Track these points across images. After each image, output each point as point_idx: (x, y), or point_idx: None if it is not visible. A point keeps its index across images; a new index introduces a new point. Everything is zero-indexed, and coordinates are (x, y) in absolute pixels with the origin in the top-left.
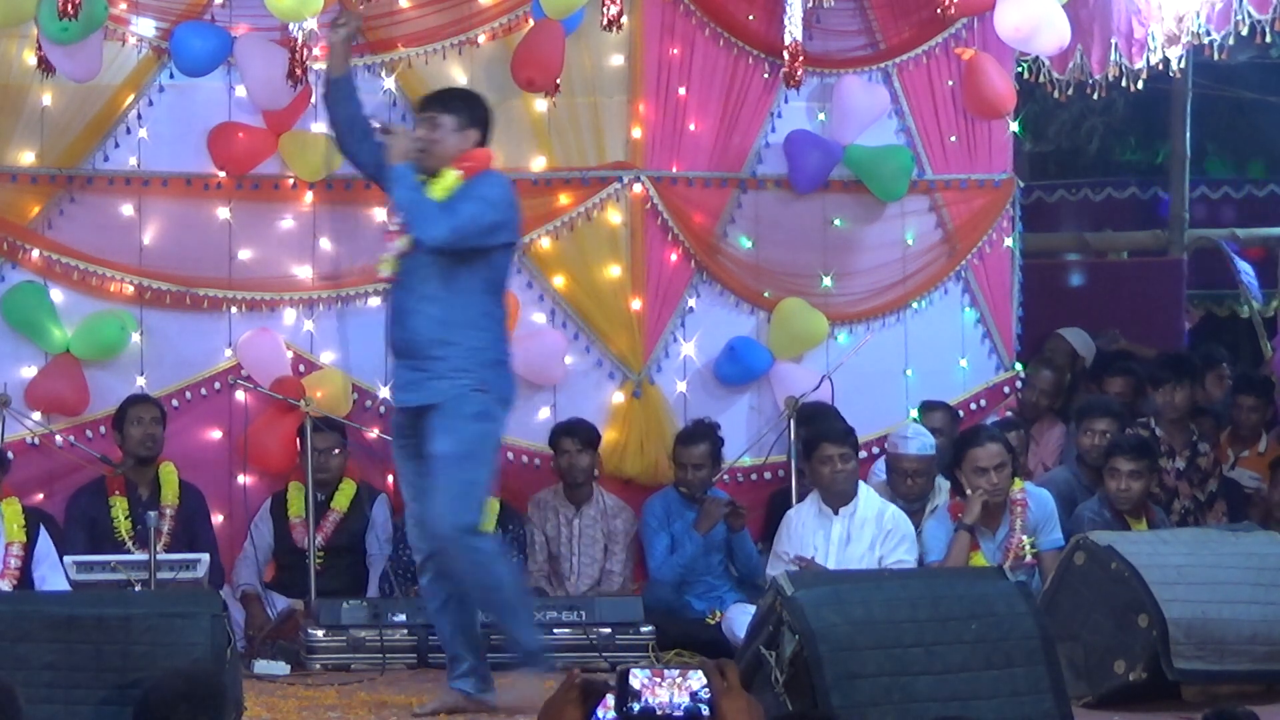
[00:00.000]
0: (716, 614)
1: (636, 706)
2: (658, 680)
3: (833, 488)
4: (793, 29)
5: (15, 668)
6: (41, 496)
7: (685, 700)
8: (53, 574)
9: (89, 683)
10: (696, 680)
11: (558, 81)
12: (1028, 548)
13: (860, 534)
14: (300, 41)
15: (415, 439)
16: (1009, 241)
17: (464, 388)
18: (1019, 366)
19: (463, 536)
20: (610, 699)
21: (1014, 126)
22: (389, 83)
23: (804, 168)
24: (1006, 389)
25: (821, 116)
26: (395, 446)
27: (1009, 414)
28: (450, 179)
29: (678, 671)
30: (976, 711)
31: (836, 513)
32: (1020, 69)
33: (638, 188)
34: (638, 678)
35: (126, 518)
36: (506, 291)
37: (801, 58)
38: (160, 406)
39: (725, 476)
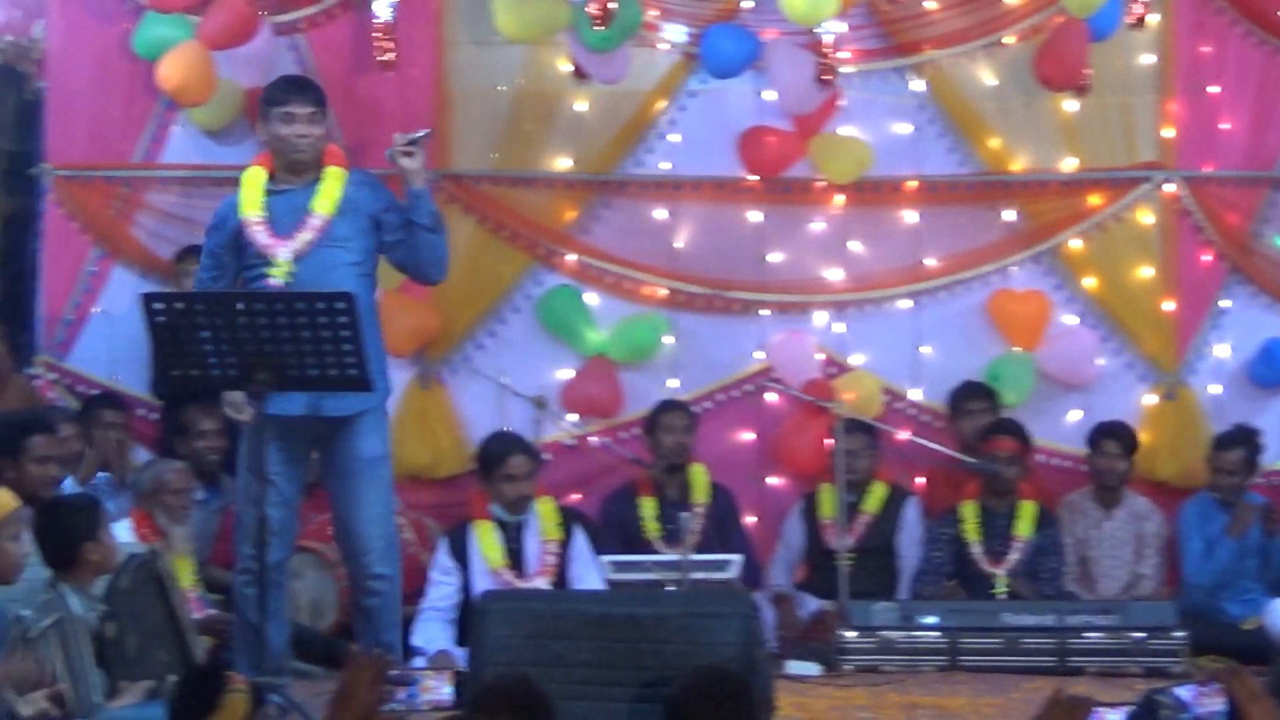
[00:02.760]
0: (1253, 620)
1: (1183, 717)
2: (1198, 690)
3: None
4: None
5: (553, 665)
6: (577, 497)
7: (1219, 707)
8: (587, 573)
9: (623, 680)
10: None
11: (1086, 82)
12: None
13: None
14: (828, 44)
15: None
16: None
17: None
18: None
19: None
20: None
21: None
22: (918, 85)
23: None
24: None
25: None
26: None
27: None
28: (336, 181)
29: (1209, 682)
30: None
31: None
32: None
33: (1169, 188)
34: (1182, 689)
35: (657, 518)
36: None
37: None
38: (691, 412)
39: (1261, 480)
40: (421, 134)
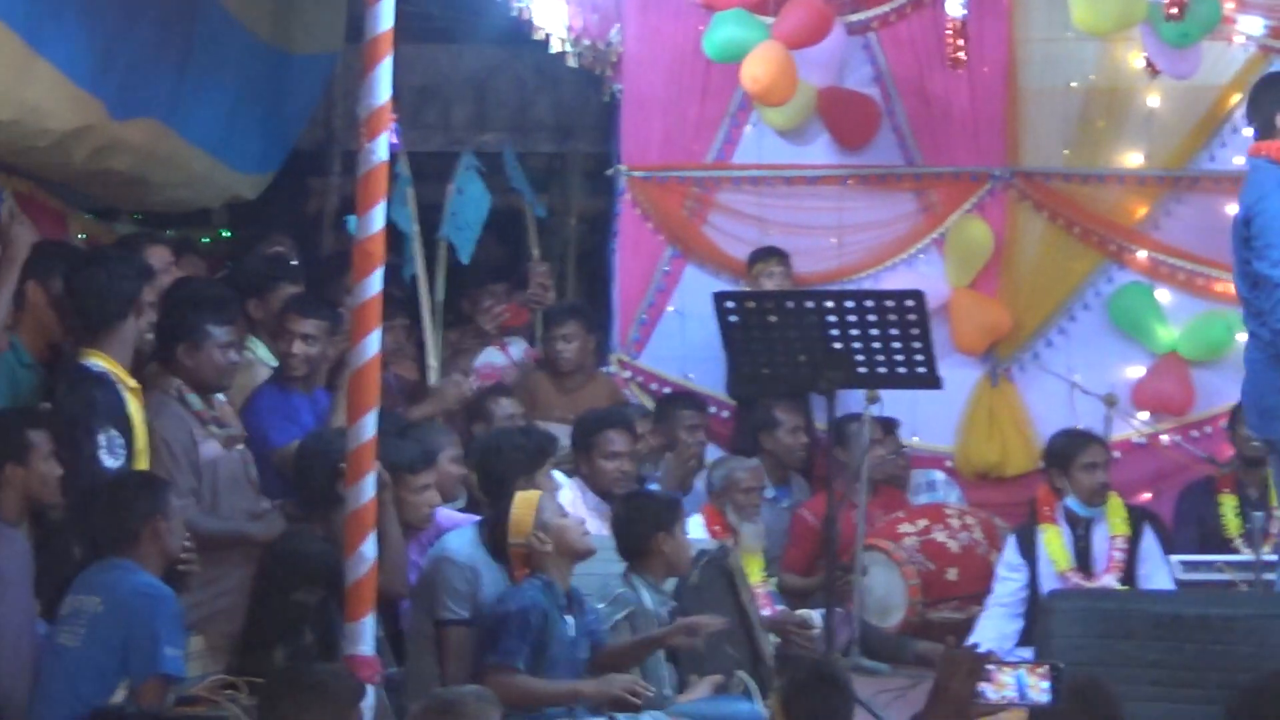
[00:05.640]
0: None
1: None
2: None
3: None
4: None
5: (1120, 664)
6: (1147, 496)
7: None
8: (1157, 572)
9: (1192, 683)
10: None
11: None
12: None
13: None
14: None
15: None
16: None
17: None
18: None
19: None
20: None
21: None
22: None
23: None
24: None
25: None
26: None
27: None
28: None
29: None
30: None
31: None
32: None
33: None
34: None
35: (1236, 516)
36: None
37: None
38: None
39: None
40: None
